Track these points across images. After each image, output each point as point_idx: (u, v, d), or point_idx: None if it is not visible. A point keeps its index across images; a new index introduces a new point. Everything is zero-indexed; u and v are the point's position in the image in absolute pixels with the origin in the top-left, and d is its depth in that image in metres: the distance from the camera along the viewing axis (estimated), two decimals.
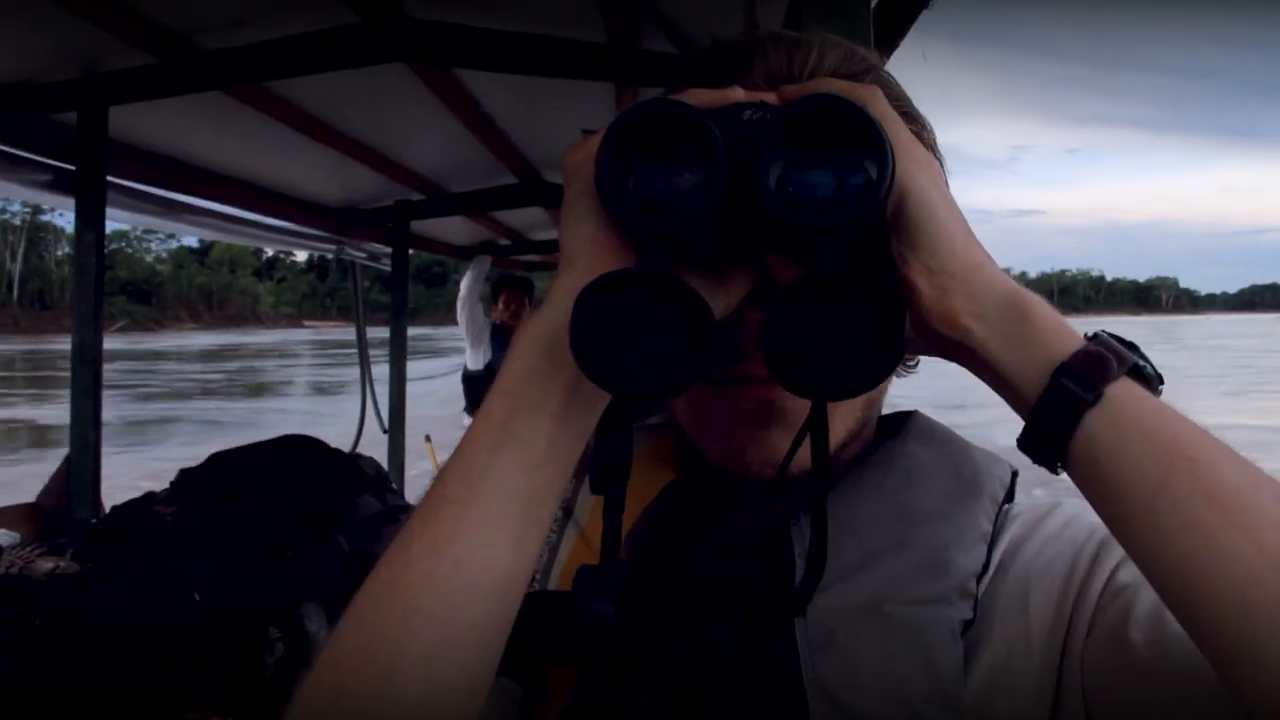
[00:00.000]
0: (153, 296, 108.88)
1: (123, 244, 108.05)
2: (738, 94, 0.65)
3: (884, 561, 0.77)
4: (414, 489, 5.93)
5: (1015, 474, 0.86)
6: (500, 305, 6.77)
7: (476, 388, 6.81)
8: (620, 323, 0.59)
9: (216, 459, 2.93)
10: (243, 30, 2.62)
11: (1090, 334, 0.63)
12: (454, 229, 6.02)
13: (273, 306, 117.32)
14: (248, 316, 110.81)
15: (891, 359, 0.58)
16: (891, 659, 0.73)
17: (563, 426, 0.63)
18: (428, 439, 7.80)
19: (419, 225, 5.51)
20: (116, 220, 3.48)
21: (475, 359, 6.74)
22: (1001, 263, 0.65)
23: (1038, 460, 0.62)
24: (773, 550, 0.79)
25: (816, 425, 0.69)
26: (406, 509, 3.11)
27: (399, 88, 3.09)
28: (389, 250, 5.47)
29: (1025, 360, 0.61)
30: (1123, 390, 0.59)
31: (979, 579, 0.78)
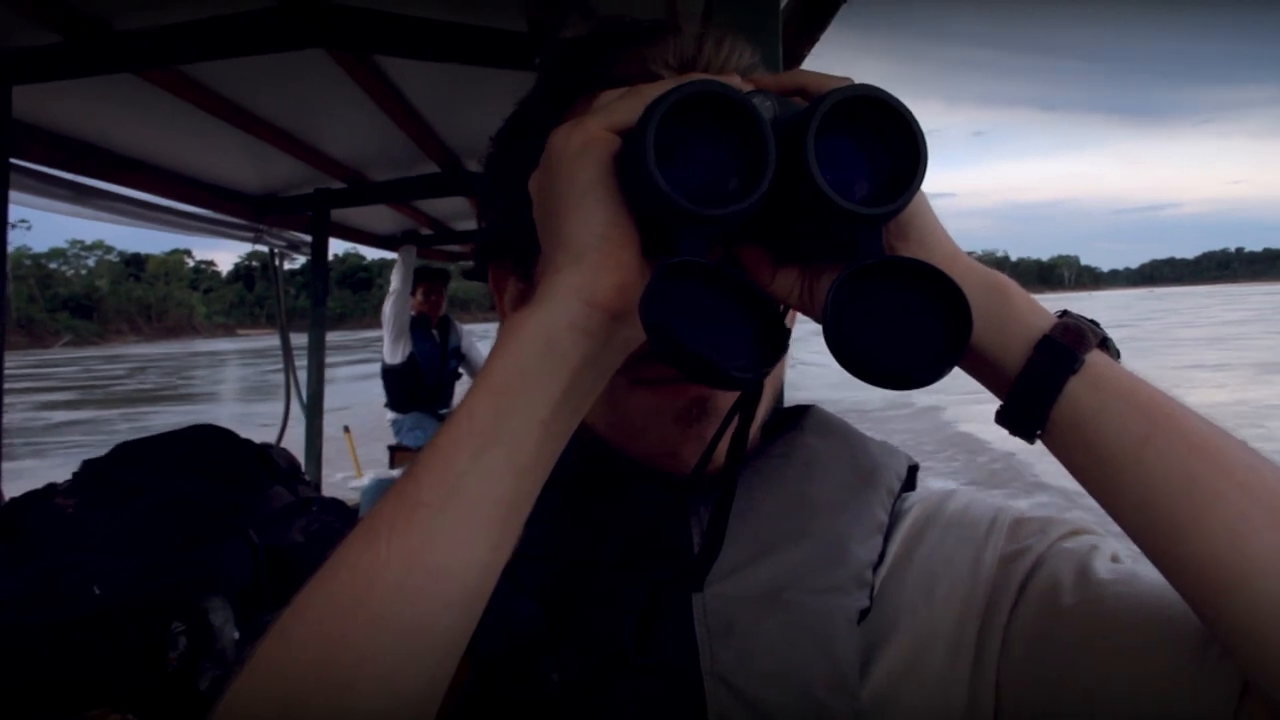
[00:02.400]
0: (94, 311, 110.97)
1: (60, 262, 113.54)
2: (735, 80, 0.66)
3: (783, 550, 0.77)
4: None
5: (915, 467, 0.88)
6: (419, 295, 6.76)
7: (396, 382, 6.78)
8: (690, 314, 0.58)
9: (122, 449, 2.85)
10: (156, 11, 2.56)
11: (1060, 311, 0.67)
12: (376, 218, 5.95)
13: (206, 317, 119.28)
14: (185, 327, 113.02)
15: (962, 345, 0.60)
16: (790, 647, 0.73)
17: (550, 431, 0.60)
18: (346, 430, 7.72)
19: (340, 214, 5.43)
20: (23, 205, 3.38)
21: (394, 353, 6.70)
22: None
23: (1016, 430, 0.65)
24: (671, 539, 0.79)
25: (745, 413, 0.71)
26: (319, 501, 3.07)
27: (318, 74, 3.04)
28: (309, 239, 5.39)
29: (1007, 337, 0.64)
30: (1098, 358, 0.63)
31: (875, 569, 0.80)
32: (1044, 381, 0.63)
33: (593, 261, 0.61)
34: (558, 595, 0.77)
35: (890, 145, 0.62)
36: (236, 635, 2.21)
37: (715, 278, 0.60)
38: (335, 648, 0.54)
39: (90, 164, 3.67)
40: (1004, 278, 0.67)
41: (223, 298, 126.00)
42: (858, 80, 0.64)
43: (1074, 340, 0.64)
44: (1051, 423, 0.63)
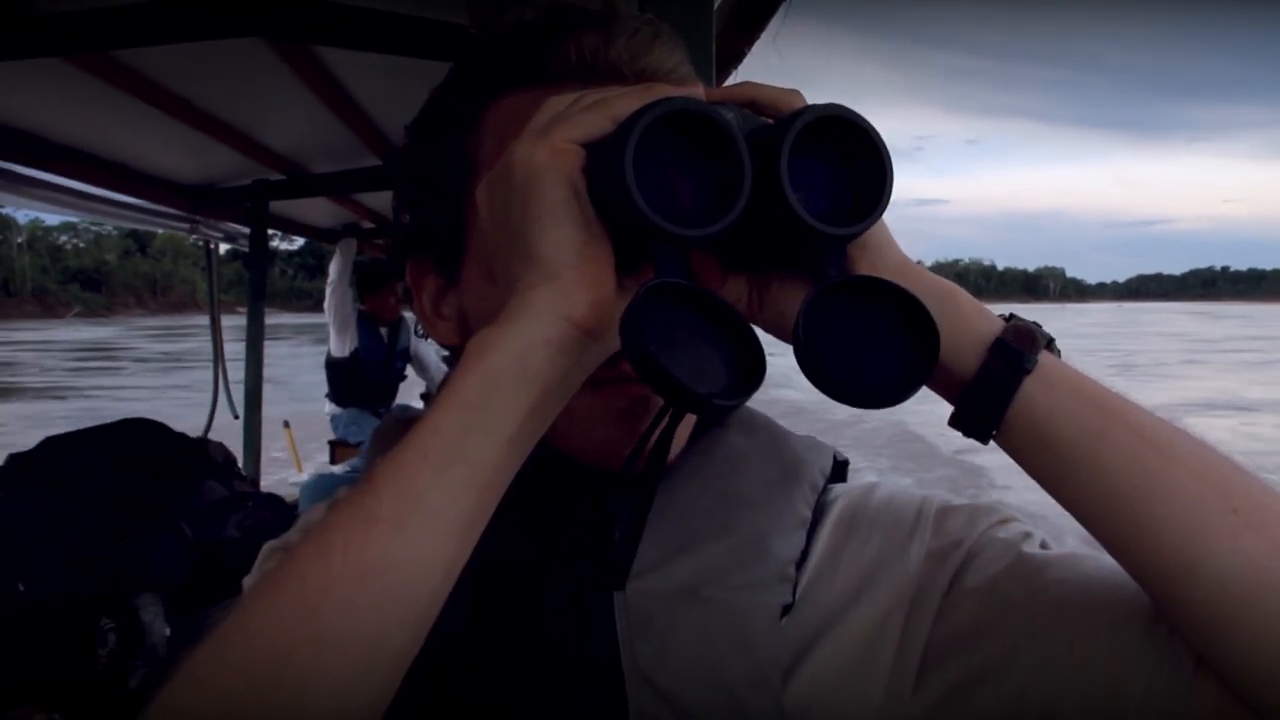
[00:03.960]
0: (102, 284, 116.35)
1: (70, 235, 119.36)
2: (699, 91, 0.65)
3: (705, 546, 0.77)
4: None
5: (844, 463, 0.88)
6: (369, 296, 6.73)
7: (338, 375, 6.72)
8: (671, 337, 0.58)
9: (51, 443, 2.79)
10: None
11: (1006, 315, 0.69)
12: (316, 210, 5.88)
13: (207, 294, 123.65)
14: (188, 303, 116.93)
15: (931, 363, 0.62)
16: (711, 643, 0.73)
17: (514, 449, 0.60)
18: (286, 425, 7.62)
19: (280, 206, 5.35)
20: None
21: (340, 345, 6.64)
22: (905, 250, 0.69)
23: (970, 432, 0.67)
24: (597, 538, 0.79)
25: (677, 412, 0.70)
26: (255, 496, 3.03)
27: (256, 64, 2.99)
28: (247, 231, 5.32)
29: (960, 342, 0.65)
30: (1048, 358, 0.66)
31: (799, 565, 0.80)
32: (1000, 383, 0.65)
33: (570, 279, 0.60)
34: (485, 594, 0.76)
35: (855, 163, 0.64)
36: (168, 632, 2.17)
37: (696, 300, 0.61)
38: (280, 662, 0.53)
39: (18, 151, 3.58)
40: (953, 285, 0.69)
41: (222, 275, 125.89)
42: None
43: (1025, 342, 0.66)
44: (1007, 424, 0.65)
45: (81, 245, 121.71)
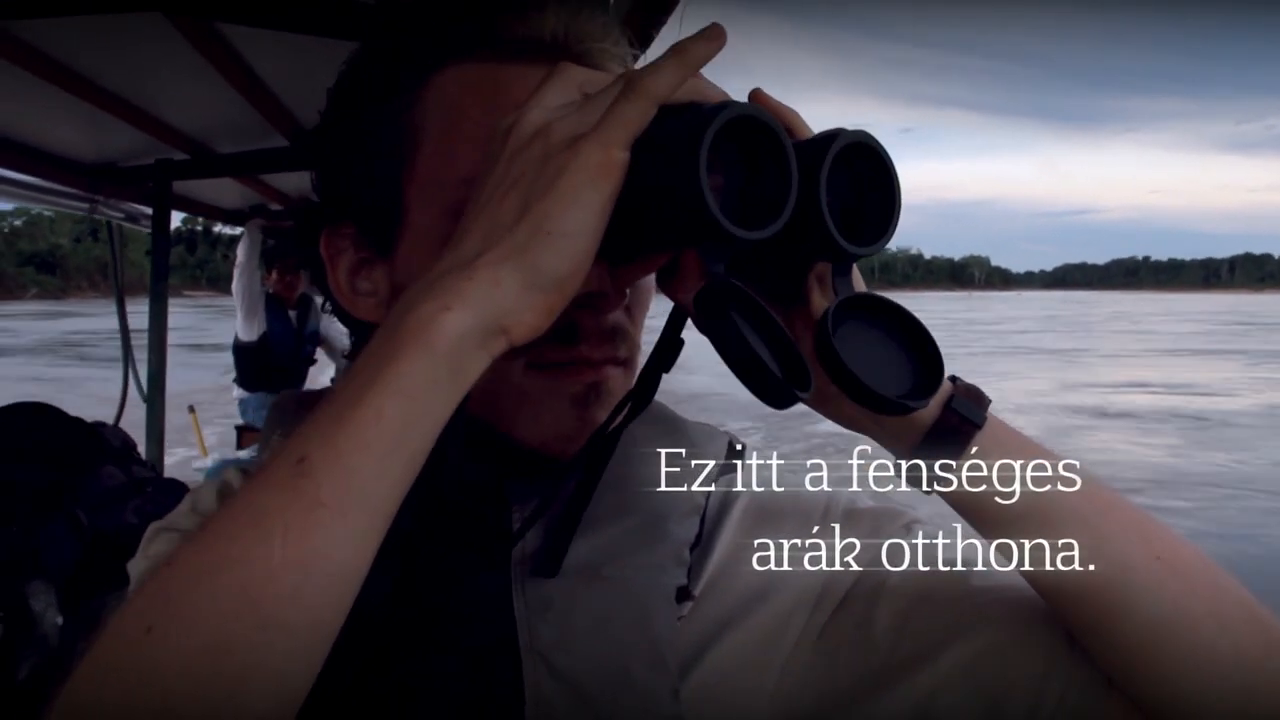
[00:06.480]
0: (56, 268, 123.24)
1: (25, 220, 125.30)
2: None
3: (602, 528, 0.79)
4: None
5: (741, 448, 0.90)
6: (274, 274, 6.62)
7: (246, 359, 6.60)
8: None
9: None
10: None
11: (951, 376, 0.72)
12: (222, 191, 5.75)
13: (113, 273, 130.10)
14: (139, 286, 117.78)
15: (940, 374, 0.67)
16: (608, 623, 0.75)
17: (439, 432, 0.60)
18: (191, 410, 7.47)
19: (184, 186, 5.23)
20: None
21: (249, 329, 6.53)
22: None
23: (921, 483, 0.71)
24: (493, 517, 0.79)
25: (638, 401, 0.74)
26: (154, 482, 2.96)
27: (157, 40, 2.89)
28: (149, 211, 5.18)
29: None
30: (992, 416, 0.70)
31: (692, 549, 0.82)
32: (955, 435, 0.69)
33: (537, 301, 0.59)
34: (408, 565, 0.76)
35: (862, 184, 0.67)
36: (60, 621, 2.11)
37: (745, 302, 0.63)
38: (221, 652, 0.52)
39: None
40: None
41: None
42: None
43: (975, 399, 0.70)
44: (956, 475, 0.70)
45: (18, 224, 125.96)
